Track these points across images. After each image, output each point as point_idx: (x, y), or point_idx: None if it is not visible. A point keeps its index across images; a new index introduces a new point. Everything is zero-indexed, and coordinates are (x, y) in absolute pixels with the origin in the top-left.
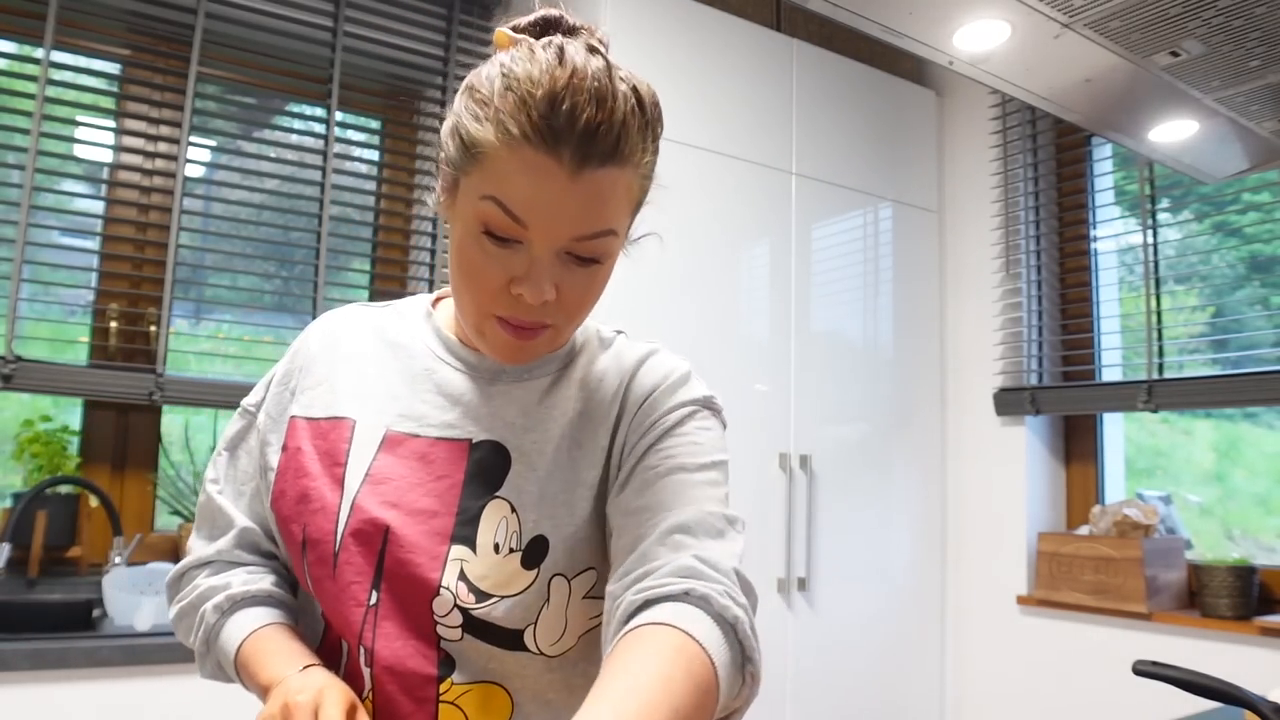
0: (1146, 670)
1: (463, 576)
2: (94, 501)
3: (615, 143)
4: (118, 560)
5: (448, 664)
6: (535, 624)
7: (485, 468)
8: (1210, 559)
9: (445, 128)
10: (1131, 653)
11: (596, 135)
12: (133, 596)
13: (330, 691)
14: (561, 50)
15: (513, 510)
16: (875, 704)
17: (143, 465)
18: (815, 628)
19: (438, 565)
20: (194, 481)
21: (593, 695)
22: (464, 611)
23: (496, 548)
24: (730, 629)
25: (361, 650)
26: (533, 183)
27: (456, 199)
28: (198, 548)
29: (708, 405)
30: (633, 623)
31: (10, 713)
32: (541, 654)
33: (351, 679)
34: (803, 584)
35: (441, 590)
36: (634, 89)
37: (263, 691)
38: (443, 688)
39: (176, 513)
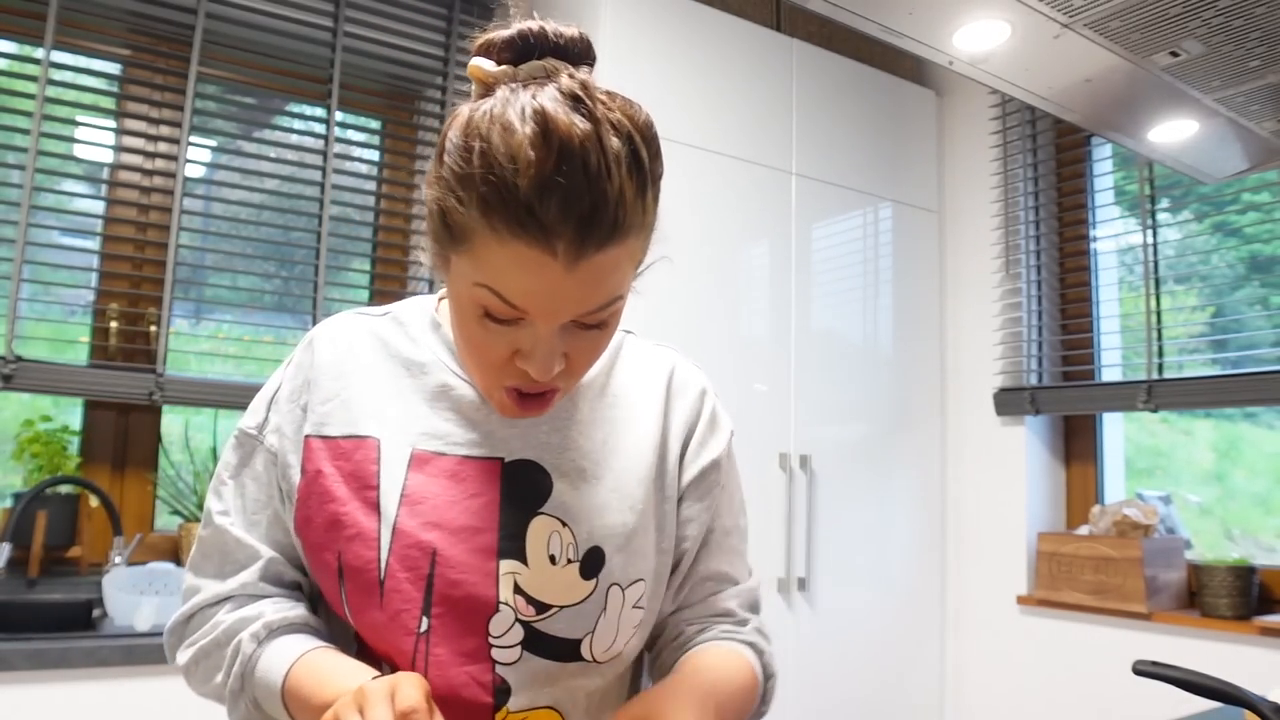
0: (1146, 670)
1: (518, 590)
2: (94, 501)
3: (614, 222)
4: (118, 560)
5: (504, 692)
6: (593, 633)
7: (523, 485)
8: (1210, 559)
9: (427, 194)
10: (1131, 653)
11: (592, 221)
12: (133, 596)
13: (407, 677)
14: (543, 117)
15: (563, 525)
16: (875, 704)
17: (143, 465)
18: (815, 628)
19: (491, 582)
20: (194, 481)
21: (689, 659)
22: (525, 625)
23: (553, 559)
24: (767, 680)
25: None
26: (527, 276)
27: (449, 272)
28: (209, 586)
29: (731, 437)
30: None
31: (10, 713)
32: (595, 660)
33: None
34: (803, 584)
35: (500, 606)
36: (629, 139)
37: (319, 712)
38: (498, 717)
39: (177, 513)
